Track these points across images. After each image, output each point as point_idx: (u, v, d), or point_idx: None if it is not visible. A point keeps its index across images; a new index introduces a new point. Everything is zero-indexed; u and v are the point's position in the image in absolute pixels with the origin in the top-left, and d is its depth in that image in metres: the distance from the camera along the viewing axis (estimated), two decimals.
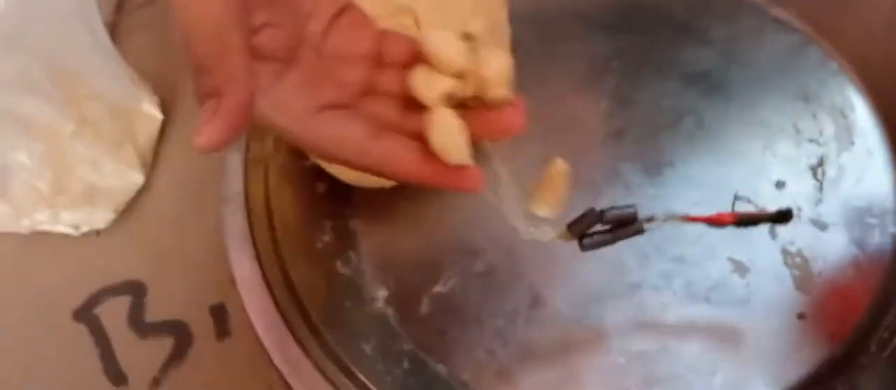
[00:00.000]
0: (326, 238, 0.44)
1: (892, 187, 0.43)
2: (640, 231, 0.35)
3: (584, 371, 0.41)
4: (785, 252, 0.42)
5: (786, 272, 0.42)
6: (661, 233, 0.44)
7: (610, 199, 0.45)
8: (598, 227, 0.35)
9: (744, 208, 0.44)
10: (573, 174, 0.46)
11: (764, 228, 0.43)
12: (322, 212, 0.45)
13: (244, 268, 0.39)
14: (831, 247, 0.42)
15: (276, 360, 0.37)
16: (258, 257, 0.39)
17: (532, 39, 0.51)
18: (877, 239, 0.42)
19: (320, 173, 0.44)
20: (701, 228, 0.43)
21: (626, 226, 0.35)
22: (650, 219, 0.36)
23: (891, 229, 0.42)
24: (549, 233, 0.33)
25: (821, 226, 0.43)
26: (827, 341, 0.40)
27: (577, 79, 0.49)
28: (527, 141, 0.46)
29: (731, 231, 0.43)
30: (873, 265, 0.41)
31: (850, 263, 0.42)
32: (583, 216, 0.35)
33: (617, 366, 0.41)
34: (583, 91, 0.49)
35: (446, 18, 0.41)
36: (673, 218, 0.38)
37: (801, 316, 0.41)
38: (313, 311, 0.39)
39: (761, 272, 0.42)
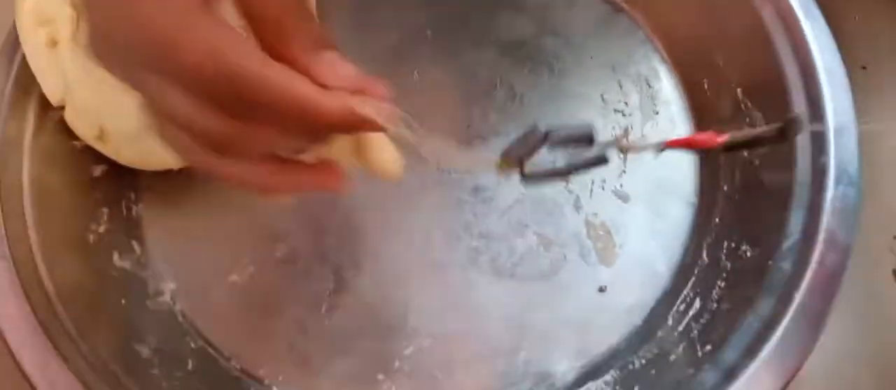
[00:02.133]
0: (102, 228, 0.39)
1: (691, 158, 0.44)
2: (603, 160, 0.28)
3: (388, 356, 0.39)
4: (588, 224, 0.42)
5: (589, 244, 0.42)
6: (471, 209, 0.42)
7: (419, 168, 0.43)
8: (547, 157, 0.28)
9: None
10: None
11: (570, 200, 0.42)
12: (98, 199, 0.40)
13: None
14: (633, 219, 0.42)
15: (30, 371, 0.33)
16: (12, 256, 0.35)
17: (344, 6, 0.48)
18: (677, 210, 0.42)
19: (96, 155, 0.40)
20: (510, 201, 0.42)
21: (579, 148, 0.28)
22: (612, 143, 0.29)
23: (691, 199, 0.43)
24: (488, 165, 0.29)
25: (623, 197, 0.43)
26: (627, 314, 0.40)
27: (390, 48, 0.47)
28: None
29: (535, 203, 0.42)
30: (672, 236, 0.42)
31: (650, 235, 0.42)
32: (522, 137, 0.28)
33: (422, 350, 0.39)
34: (396, 62, 0.46)
35: None
36: (648, 146, 0.30)
37: (602, 289, 0.41)
38: (78, 314, 0.35)
39: (565, 245, 0.42)
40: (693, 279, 0.40)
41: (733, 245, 0.39)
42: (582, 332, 0.40)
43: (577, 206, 0.42)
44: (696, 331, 0.37)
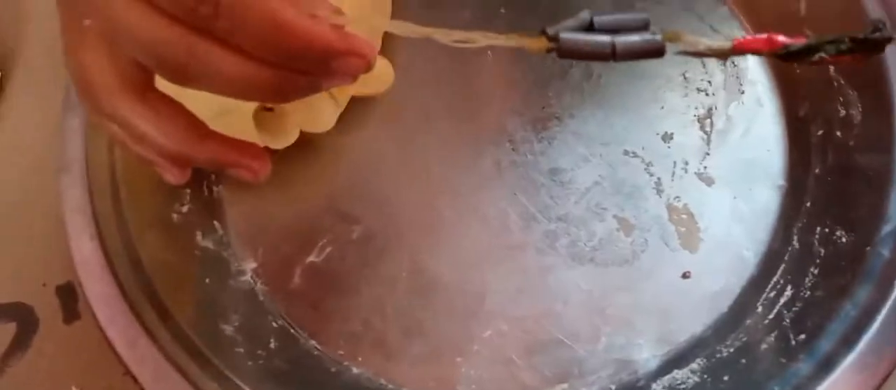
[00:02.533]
0: (185, 208, 0.40)
1: (779, 139, 0.42)
2: (661, 51, 0.25)
3: (464, 340, 0.39)
4: (671, 208, 0.41)
5: (671, 229, 0.40)
6: (547, 192, 0.42)
7: (495, 151, 0.42)
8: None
9: (632, 162, 0.42)
10: (455, 126, 0.44)
11: (650, 183, 0.41)
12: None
13: (83, 248, 0.35)
14: (717, 203, 0.41)
15: (120, 348, 0.33)
16: (100, 234, 0.36)
17: None
18: (764, 194, 0.41)
19: None
20: (588, 183, 0.41)
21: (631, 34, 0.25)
22: (674, 37, 0.25)
23: (778, 182, 0.41)
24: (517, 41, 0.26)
25: (707, 180, 0.41)
26: (711, 301, 0.39)
27: (463, 26, 0.46)
28: (409, 89, 0.43)
29: (615, 186, 0.41)
30: (759, 221, 0.40)
31: (736, 219, 0.40)
32: (565, 24, 0.25)
33: (499, 333, 0.39)
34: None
35: None
36: (715, 47, 0.26)
37: (685, 275, 0.39)
38: (164, 292, 0.35)
39: (646, 229, 0.40)
40: (783, 265, 0.38)
41: (827, 230, 0.37)
42: (665, 319, 0.39)
43: (659, 190, 0.41)
44: (788, 320, 0.36)
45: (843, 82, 0.39)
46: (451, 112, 0.44)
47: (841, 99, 0.39)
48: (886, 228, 0.34)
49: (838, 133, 0.39)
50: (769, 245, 0.39)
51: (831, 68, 0.40)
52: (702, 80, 0.44)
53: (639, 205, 0.41)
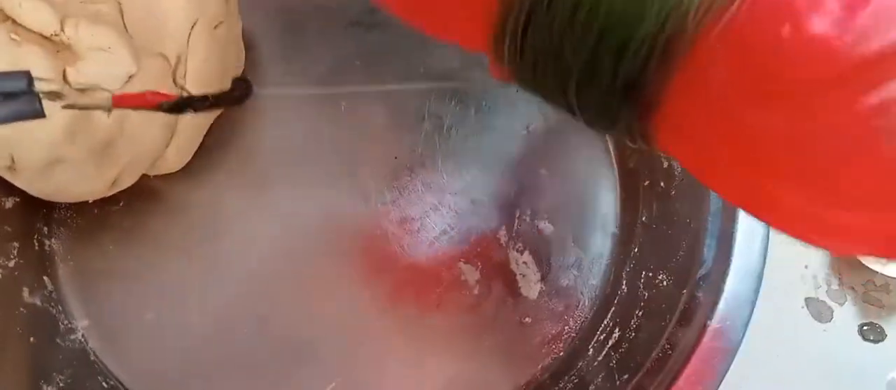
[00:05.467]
0: (11, 263, 0.38)
1: (613, 189, 0.45)
2: (39, 113, 0.25)
3: None
4: (513, 255, 0.42)
5: (513, 275, 0.42)
6: (397, 241, 0.42)
7: (347, 201, 0.43)
8: None
9: (479, 211, 0.44)
10: (307, 173, 0.44)
11: (496, 231, 0.43)
12: (8, 233, 0.39)
13: None
14: (557, 250, 0.43)
15: None
16: None
17: (273, 33, 0.47)
18: (598, 241, 0.43)
19: (6, 187, 0.38)
20: (433, 234, 0.43)
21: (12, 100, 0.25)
22: (60, 95, 0.26)
23: (611, 229, 0.43)
24: None
25: (548, 228, 0.43)
26: (549, 345, 0.40)
27: (318, 78, 0.47)
28: (263, 137, 0.43)
29: (462, 234, 0.42)
30: (594, 266, 0.42)
31: (573, 266, 0.42)
32: None
33: (342, 385, 0.39)
34: (313, 99, 0.46)
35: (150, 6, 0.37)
36: (96, 102, 0.28)
37: (525, 320, 0.41)
38: None
39: (490, 277, 0.42)
40: (613, 309, 0.41)
41: (650, 274, 0.40)
42: (506, 363, 0.40)
43: (504, 238, 0.43)
44: (614, 361, 0.38)
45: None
46: (302, 159, 0.44)
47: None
48: (701, 272, 0.37)
49: (662, 183, 0.42)
50: (602, 289, 0.42)
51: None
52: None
53: (484, 253, 0.43)
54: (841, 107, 0.19)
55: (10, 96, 0.24)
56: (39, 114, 0.25)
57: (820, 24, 0.18)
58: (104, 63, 0.34)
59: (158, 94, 0.28)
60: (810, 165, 0.20)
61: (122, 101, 0.28)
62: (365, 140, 0.45)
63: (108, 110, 0.29)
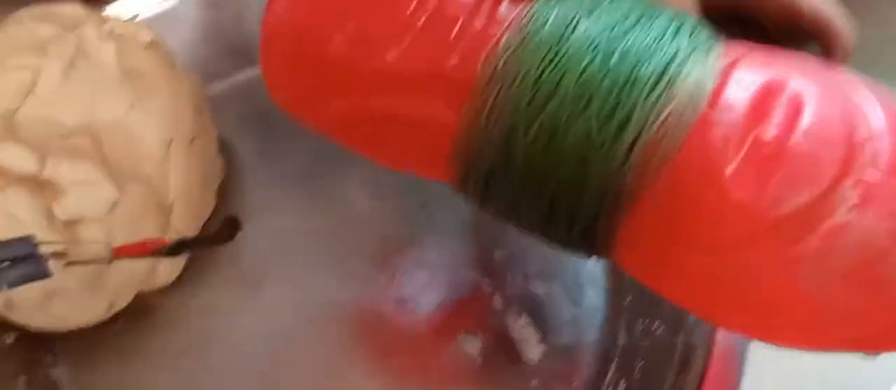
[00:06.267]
0: None
1: None
2: (46, 273, 0.27)
3: None
4: (511, 320, 0.43)
5: (513, 340, 0.42)
6: (394, 323, 0.43)
7: (340, 289, 0.43)
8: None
9: (474, 281, 0.44)
10: (299, 265, 0.44)
11: (491, 298, 0.43)
12: (12, 370, 0.39)
13: None
14: (554, 309, 0.43)
15: None
16: None
17: (249, 136, 0.49)
18: (592, 294, 0.43)
19: (5, 324, 0.39)
20: (430, 310, 0.43)
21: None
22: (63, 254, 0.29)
23: (603, 284, 0.44)
24: None
25: (542, 289, 0.44)
26: None
27: (297, 175, 0.48)
28: (250, 235, 0.44)
29: (458, 306, 0.43)
30: (591, 321, 0.43)
31: (571, 322, 0.43)
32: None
33: None
34: (296, 193, 0.47)
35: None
36: (97, 257, 0.31)
37: (531, 383, 0.41)
38: None
39: (491, 344, 0.42)
40: (615, 360, 0.41)
41: (646, 322, 0.40)
42: None
43: (499, 305, 0.43)
44: None
45: None
46: (292, 251, 0.45)
47: None
48: (692, 317, 0.37)
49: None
50: (601, 343, 0.42)
51: None
52: None
53: (482, 322, 0.43)
54: (764, 256, 0.23)
55: (16, 261, 0.26)
56: (46, 274, 0.27)
57: (739, 192, 0.22)
58: (87, 195, 0.35)
59: (155, 241, 0.30)
60: (743, 300, 0.24)
61: (122, 252, 0.30)
62: (352, 225, 0.46)
63: (109, 262, 0.30)
